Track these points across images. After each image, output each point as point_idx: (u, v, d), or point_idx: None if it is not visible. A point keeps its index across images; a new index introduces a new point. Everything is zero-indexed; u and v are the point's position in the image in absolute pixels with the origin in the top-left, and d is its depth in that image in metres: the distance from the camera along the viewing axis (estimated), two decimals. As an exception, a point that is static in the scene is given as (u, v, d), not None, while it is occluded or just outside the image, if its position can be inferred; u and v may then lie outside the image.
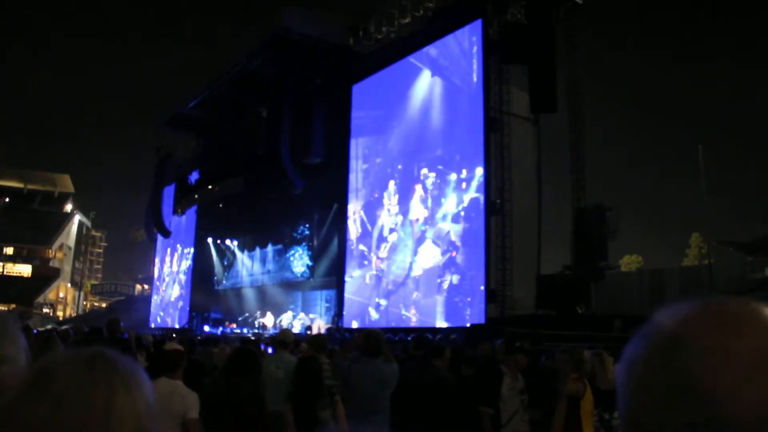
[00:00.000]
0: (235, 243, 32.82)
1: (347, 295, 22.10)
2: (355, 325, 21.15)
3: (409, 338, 12.95)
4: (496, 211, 17.33)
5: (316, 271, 26.89)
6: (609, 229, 18.00)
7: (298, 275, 28.05)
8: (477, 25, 18.71)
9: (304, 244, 28.00)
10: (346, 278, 22.29)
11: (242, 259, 32.37)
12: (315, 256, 27.05)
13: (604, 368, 4.91)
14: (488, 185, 17.46)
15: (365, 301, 21.21)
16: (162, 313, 37.50)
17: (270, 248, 30.27)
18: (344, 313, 21.97)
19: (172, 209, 33.96)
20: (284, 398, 4.64)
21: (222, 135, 30.99)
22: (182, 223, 34.21)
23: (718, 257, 23.84)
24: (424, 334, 9.83)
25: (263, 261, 30.83)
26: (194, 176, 32.65)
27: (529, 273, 18.10)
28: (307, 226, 27.82)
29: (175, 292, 35.82)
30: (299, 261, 28.09)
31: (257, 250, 31.27)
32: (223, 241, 33.47)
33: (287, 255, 28.83)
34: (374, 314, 20.73)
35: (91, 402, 0.75)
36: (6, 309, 53.22)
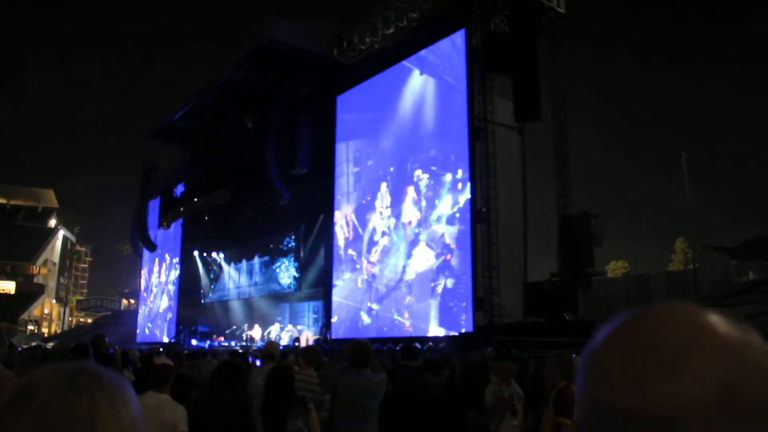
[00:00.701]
0: (222, 255, 32.65)
1: (338, 299, 21.92)
2: (344, 328, 21.11)
3: (398, 347, 12.93)
4: (482, 219, 17.39)
5: (304, 282, 26.79)
6: (595, 235, 18.11)
7: (285, 287, 27.94)
8: (460, 35, 18.85)
9: (290, 255, 27.90)
10: (336, 282, 22.15)
11: (229, 271, 32.19)
12: (302, 268, 26.96)
13: None
14: (474, 194, 17.54)
15: (357, 305, 21.05)
16: (150, 325, 37.19)
17: (257, 260, 30.14)
18: (335, 318, 21.84)
19: (158, 222, 33.75)
20: (256, 410, 4.64)
21: (207, 146, 30.90)
22: (170, 232, 33.99)
23: (703, 262, 24.09)
24: (413, 344, 9.82)
25: (250, 273, 30.68)
26: (180, 189, 32.48)
27: (517, 281, 18.17)
28: (294, 237, 27.75)
29: (163, 303, 35.57)
30: (285, 273, 27.99)
31: (244, 263, 31.12)
32: (209, 254, 33.29)
33: (274, 267, 28.71)
34: (366, 319, 20.60)
35: (74, 415, 0.75)
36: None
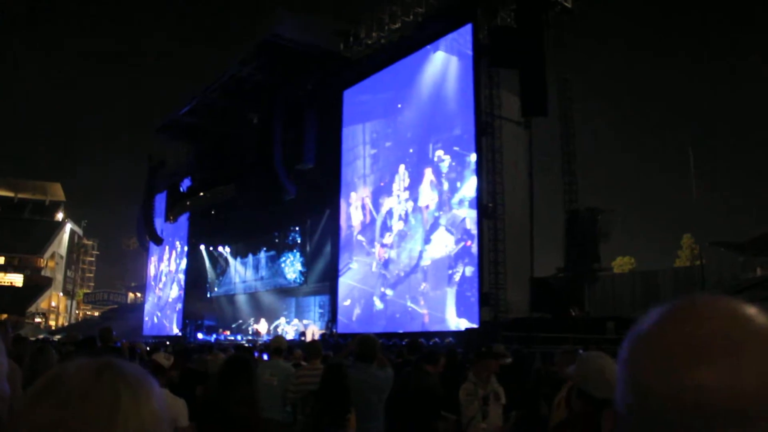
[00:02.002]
0: (228, 250, 32.74)
1: (352, 282, 21.62)
2: (356, 313, 21.05)
3: (404, 342, 12.96)
4: (489, 214, 17.37)
5: (309, 277, 26.84)
6: (601, 231, 18.07)
7: (291, 281, 28.01)
8: (467, 30, 18.78)
9: (296, 250, 27.95)
10: (351, 265, 21.85)
11: (235, 265, 32.29)
12: (308, 262, 27.01)
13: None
14: (480, 189, 17.50)
15: (370, 290, 20.73)
16: (159, 314, 37.32)
17: (263, 255, 30.21)
18: (347, 302, 21.58)
19: (164, 217, 33.86)
20: (309, 414, 4.63)
21: (214, 142, 30.96)
22: (180, 221, 34.05)
23: (709, 258, 23.98)
24: (418, 339, 9.85)
25: (256, 267, 30.76)
26: (186, 183, 32.57)
27: (523, 276, 18.13)
28: (299, 231, 27.80)
29: (173, 292, 35.75)
30: (291, 267, 28.04)
31: (250, 257, 31.20)
32: (215, 248, 33.38)
33: (280, 261, 28.78)
34: (379, 304, 20.39)
35: (98, 409, 0.78)
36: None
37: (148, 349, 10.78)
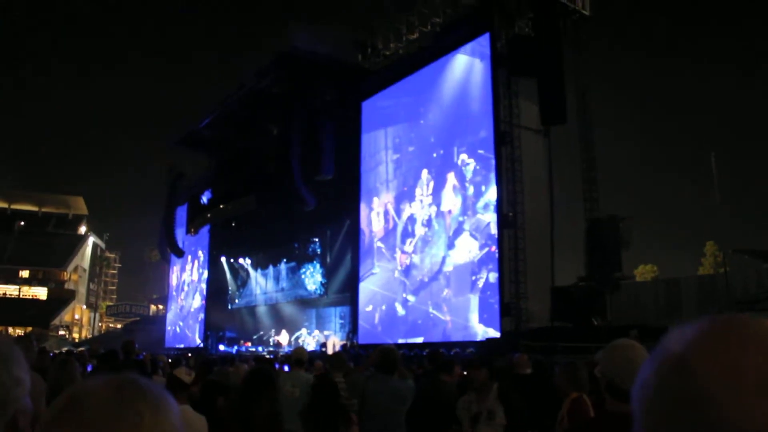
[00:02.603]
0: (249, 261, 32.91)
1: (374, 288, 21.58)
2: (378, 318, 21.04)
3: (424, 353, 12.90)
4: (509, 223, 17.29)
5: (330, 288, 26.87)
6: (623, 239, 17.87)
7: (312, 293, 28.05)
8: (485, 39, 18.77)
9: (316, 261, 28.02)
10: (374, 270, 21.81)
11: (255, 277, 32.43)
12: (328, 273, 27.05)
13: None
14: (500, 198, 17.42)
15: (393, 296, 20.69)
16: (181, 323, 37.56)
17: (283, 266, 30.32)
18: (370, 307, 21.56)
19: (185, 229, 34.16)
20: (300, 419, 4.60)
21: (233, 154, 31.20)
22: (202, 232, 34.32)
23: (733, 265, 23.57)
24: (439, 350, 9.80)
25: (276, 279, 30.87)
26: (206, 196, 32.83)
27: (544, 285, 17.99)
28: (319, 242, 27.86)
29: (195, 302, 36.01)
30: (311, 279, 28.10)
31: (270, 268, 31.33)
32: (236, 260, 33.57)
33: (300, 272, 28.86)
34: (401, 310, 20.33)
35: (119, 427, 0.77)
36: (23, 331, 53.57)
37: (170, 361, 10.86)
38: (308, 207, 24.24)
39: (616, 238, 17.80)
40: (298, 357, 6.74)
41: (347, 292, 24.41)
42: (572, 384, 4.27)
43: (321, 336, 25.04)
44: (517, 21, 18.97)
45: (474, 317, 17.62)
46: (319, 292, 27.60)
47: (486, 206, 17.84)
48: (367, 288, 22.18)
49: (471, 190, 18.48)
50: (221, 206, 30.93)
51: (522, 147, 18.11)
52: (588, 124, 19.15)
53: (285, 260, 30.10)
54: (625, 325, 15.90)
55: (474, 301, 17.74)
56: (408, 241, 20.46)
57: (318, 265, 27.84)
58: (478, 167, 18.31)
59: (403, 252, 20.63)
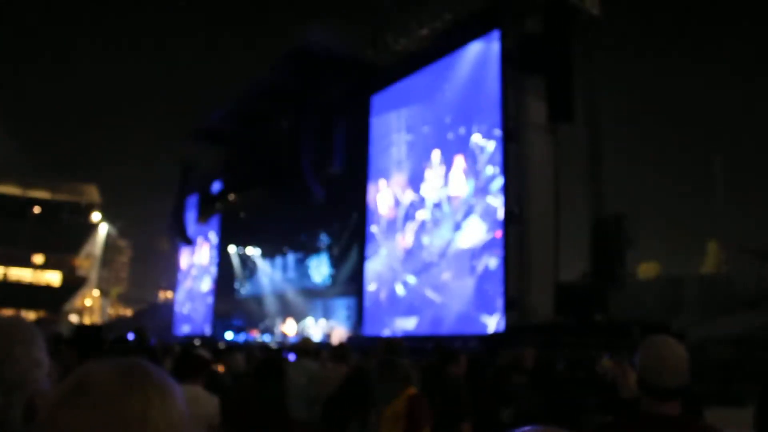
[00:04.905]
0: (257, 251, 33.27)
1: (379, 267, 21.76)
2: (383, 297, 21.24)
3: (429, 347, 13.14)
4: (514, 219, 17.49)
5: (337, 279, 27.17)
6: (628, 237, 17.99)
7: (319, 283, 28.37)
8: (495, 36, 18.92)
9: (323, 252, 28.32)
10: (381, 251, 21.99)
11: (263, 267, 32.79)
12: (335, 265, 27.34)
13: (625, 377, 4.63)
14: (507, 195, 17.61)
15: (394, 275, 20.85)
16: (189, 305, 37.93)
17: (290, 257, 30.65)
18: (374, 286, 21.69)
19: (196, 218, 34.58)
20: (322, 411, 4.70)
21: (244, 146, 31.50)
22: (211, 219, 34.59)
23: (736, 265, 23.60)
24: (443, 343, 10.04)
25: (284, 269, 31.21)
26: (217, 186, 33.20)
27: (547, 281, 18.17)
28: (327, 235, 28.15)
29: (205, 285, 36.35)
30: (317, 270, 28.40)
31: (278, 259, 31.67)
32: (244, 250, 33.95)
33: (307, 263, 29.17)
34: (401, 291, 20.53)
35: (127, 411, 0.78)
36: (36, 316, 54.33)
37: (179, 348, 11.18)
38: (317, 200, 24.51)
39: (621, 236, 17.93)
40: (305, 347, 7.03)
41: (353, 284, 24.69)
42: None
43: (327, 326, 25.36)
44: (528, 19, 19.06)
45: (471, 303, 17.77)
46: (326, 282, 27.91)
47: (497, 190, 17.84)
48: (371, 268, 22.45)
49: (483, 172, 18.36)
50: (231, 197, 31.30)
51: (528, 144, 18.26)
52: (595, 122, 19.23)
53: (292, 251, 30.43)
54: (628, 321, 16.07)
55: (472, 286, 17.86)
56: (413, 222, 20.55)
57: (326, 257, 28.15)
58: (492, 150, 18.22)
59: (408, 233, 20.71)
